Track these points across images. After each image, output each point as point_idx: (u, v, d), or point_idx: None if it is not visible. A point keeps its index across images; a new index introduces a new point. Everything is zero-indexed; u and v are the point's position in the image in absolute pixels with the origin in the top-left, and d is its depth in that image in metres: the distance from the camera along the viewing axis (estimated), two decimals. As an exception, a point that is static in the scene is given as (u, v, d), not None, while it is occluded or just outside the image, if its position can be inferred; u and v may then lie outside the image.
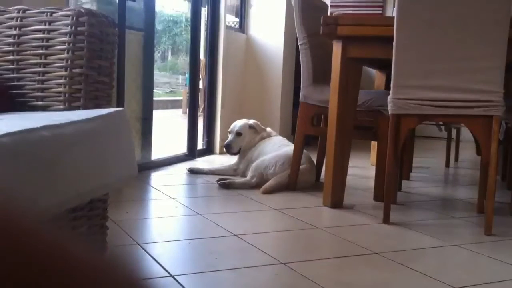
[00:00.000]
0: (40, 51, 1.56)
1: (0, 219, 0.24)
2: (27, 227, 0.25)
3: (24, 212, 0.25)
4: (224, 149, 3.46)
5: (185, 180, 3.23)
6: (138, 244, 1.88)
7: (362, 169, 3.89)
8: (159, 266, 1.66)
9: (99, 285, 0.24)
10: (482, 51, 2.20)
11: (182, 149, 4.09)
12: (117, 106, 2.00)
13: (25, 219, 0.25)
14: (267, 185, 2.91)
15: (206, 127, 4.41)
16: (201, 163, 3.85)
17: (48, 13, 1.55)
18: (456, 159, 4.68)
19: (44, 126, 1.05)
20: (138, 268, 0.26)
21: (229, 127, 3.47)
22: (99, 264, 0.25)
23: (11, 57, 1.59)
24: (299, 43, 3.09)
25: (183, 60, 13.75)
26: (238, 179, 3.08)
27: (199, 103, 4.50)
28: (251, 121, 3.42)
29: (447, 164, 4.33)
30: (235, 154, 3.40)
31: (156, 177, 3.29)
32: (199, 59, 4.36)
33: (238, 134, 3.37)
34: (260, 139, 3.37)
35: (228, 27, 4.49)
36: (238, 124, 3.41)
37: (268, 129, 3.47)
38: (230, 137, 3.40)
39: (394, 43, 2.25)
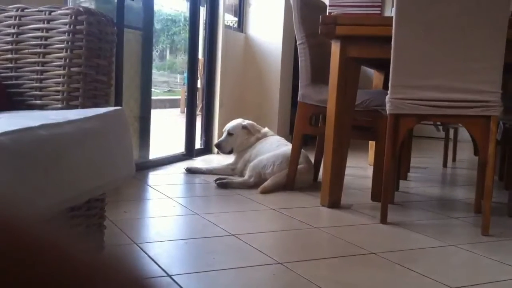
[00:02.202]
0: (39, 50, 1.55)
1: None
2: (24, 226, 0.25)
3: (21, 211, 0.25)
4: (216, 148, 3.46)
5: (183, 180, 3.23)
6: (136, 244, 1.88)
7: (359, 169, 3.89)
8: (156, 265, 1.66)
9: (97, 284, 0.24)
10: (480, 51, 2.20)
11: (180, 148, 4.08)
12: (115, 105, 2.00)
13: (23, 218, 0.25)
14: (265, 184, 2.91)
15: (204, 126, 4.41)
16: (199, 162, 3.85)
17: (47, 12, 1.55)
18: (454, 159, 4.68)
19: (42, 125, 1.05)
20: (136, 267, 0.26)
21: (227, 127, 3.47)
22: (97, 263, 0.25)
23: (9, 56, 1.58)
24: (297, 43, 3.09)
25: (182, 59, 13.74)
26: (236, 179, 3.08)
27: (197, 102, 4.50)
28: (246, 122, 3.41)
29: (445, 164, 4.33)
30: (226, 153, 3.39)
31: (154, 177, 3.28)
32: (198, 58, 4.36)
33: (230, 134, 3.36)
34: (256, 140, 3.35)
35: (226, 26, 4.48)
36: (231, 124, 3.41)
37: (265, 129, 3.46)
38: (222, 136, 3.40)
39: (392, 43, 2.25)
